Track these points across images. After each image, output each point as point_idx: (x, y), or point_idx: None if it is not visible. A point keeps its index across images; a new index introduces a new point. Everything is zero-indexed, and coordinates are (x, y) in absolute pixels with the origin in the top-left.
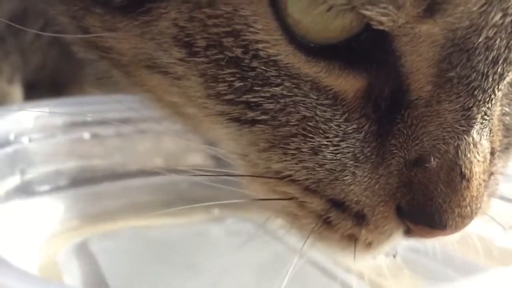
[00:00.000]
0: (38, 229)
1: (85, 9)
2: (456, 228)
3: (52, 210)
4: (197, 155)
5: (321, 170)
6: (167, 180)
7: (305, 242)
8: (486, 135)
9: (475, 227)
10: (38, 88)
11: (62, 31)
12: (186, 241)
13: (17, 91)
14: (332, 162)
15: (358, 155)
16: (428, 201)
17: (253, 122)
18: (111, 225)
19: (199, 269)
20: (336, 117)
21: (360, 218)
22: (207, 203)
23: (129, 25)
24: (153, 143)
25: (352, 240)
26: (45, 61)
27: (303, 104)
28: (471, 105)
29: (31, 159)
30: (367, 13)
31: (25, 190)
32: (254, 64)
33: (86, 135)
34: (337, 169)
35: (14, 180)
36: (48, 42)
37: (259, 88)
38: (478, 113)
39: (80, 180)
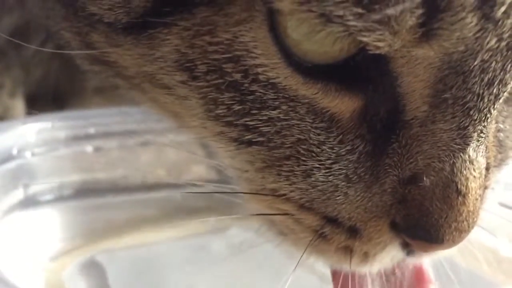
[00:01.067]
0: (42, 243)
1: (89, 26)
2: (454, 242)
3: (55, 224)
4: (200, 167)
5: (313, 191)
6: (170, 192)
7: (302, 255)
8: (482, 152)
9: (480, 238)
10: (39, 101)
11: (66, 46)
12: (191, 254)
13: (19, 104)
14: (324, 184)
15: (350, 176)
16: (424, 217)
17: (250, 143)
18: (116, 240)
19: (205, 283)
20: (329, 140)
21: (353, 232)
22: (213, 218)
23: (132, 45)
24: (155, 155)
25: (347, 251)
26: (46, 74)
27: (298, 127)
28: (466, 124)
29: (34, 173)
30: (364, 39)
31: (28, 204)
32: (253, 88)
33: (89, 148)
34: (329, 190)
35: (18, 195)
36: (50, 55)
37: (256, 111)
38: (474, 132)
39: (84, 193)
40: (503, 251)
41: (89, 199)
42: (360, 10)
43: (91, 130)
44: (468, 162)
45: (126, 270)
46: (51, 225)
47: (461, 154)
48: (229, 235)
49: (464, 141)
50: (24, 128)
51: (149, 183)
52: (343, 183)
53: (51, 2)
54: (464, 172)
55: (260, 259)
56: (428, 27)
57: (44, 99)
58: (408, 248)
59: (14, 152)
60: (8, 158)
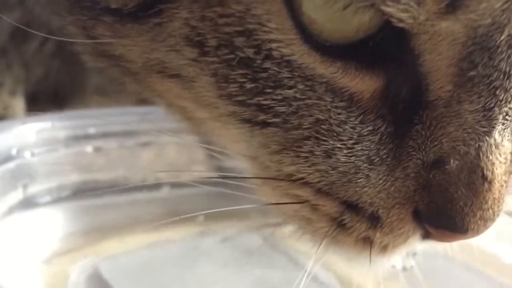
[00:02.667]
0: (42, 244)
1: (94, 18)
2: (478, 232)
3: (55, 225)
4: (201, 166)
5: (334, 172)
6: (171, 192)
7: (319, 247)
8: (508, 136)
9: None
10: (40, 99)
11: (71, 42)
12: (193, 256)
13: (19, 103)
14: (346, 165)
15: (373, 158)
16: (448, 204)
17: (264, 124)
18: (116, 241)
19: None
20: (351, 119)
21: (374, 220)
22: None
23: (140, 31)
24: (156, 155)
25: (367, 243)
26: (47, 73)
27: (317, 107)
28: (492, 105)
29: (33, 174)
30: (388, 9)
31: (27, 205)
32: (267, 65)
33: (89, 148)
34: (351, 172)
35: (17, 195)
36: (51, 53)
37: (270, 90)
38: (499, 114)
39: (83, 193)
40: (507, 258)
41: (89, 200)
42: None
43: (91, 130)
44: (494, 146)
45: (128, 276)
46: (50, 226)
47: (487, 138)
48: (229, 236)
49: (490, 123)
50: (23, 128)
51: (150, 183)
52: (365, 165)
53: None
54: (490, 156)
55: (262, 262)
56: None
57: (44, 98)
58: (426, 239)
59: (14, 152)
60: (8, 158)
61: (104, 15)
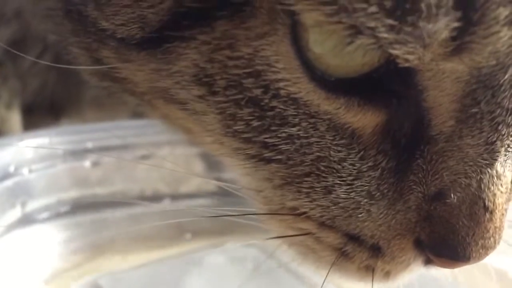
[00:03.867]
0: (41, 262)
1: (99, 41)
2: (479, 259)
3: (54, 241)
4: (199, 179)
5: (335, 208)
6: (169, 207)
7: (327, 275)
8: (509, 166)
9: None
10: (36, 112)
11: (74, 62)
12: (192, 272)
13: (15, 116)
14: (346, 201)
15: (373, 193)
16: (450, 235)
17: (268, 160)
18: (115, 258)
19: None
20: (350, 156)
21: (376, 250)
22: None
23: (145, 60)
24: (154, 169)
25: (369, 270)
26: (43, 86)
27: (318, 145)
28: (494, 139)
29: (31, 191)
30: (394, 52)
31: (26, 222)
32: (274, 103)
33: (87, 163)
34: (351, 207)
35: (15, 213)
36: (47, 67)
37: (276, 128)
38: (501, 147)
39: (82, 208)
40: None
41: (87, 214)
42: (392, 22)
43: (89, 145)
44: (495, 177)
45: None
46: (50, 243)
47: (489, 170)
48: (228, 250)
49: (492, 156)
50: (21, 145)
51: (148, 196)
52: (365, 200)
53: (59, 18)
54: (492, 188)
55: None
56: (460, 40)
57: (40, 110)
58: (428, 264)
59: (11, 169)
60: (5, 176)
61: (110, 40)
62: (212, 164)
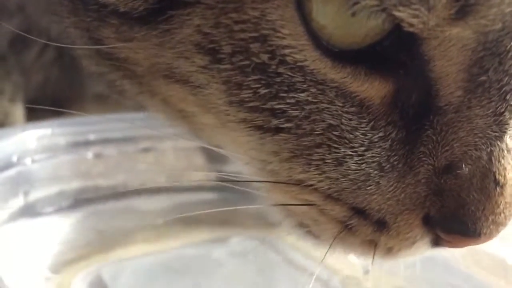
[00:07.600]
0: (44, 252)
1: (99, 20)
2: (490, 236)
3: (56, 232)
4: (200, 172)
5: (344, 180)
6: (171, 198)
7: (329, 247)
8: None
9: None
10: (39, 106)
11: (72, 45)
12: (195, 263)
13: (19, 110)
14: (356, 172)
15: (383, 164)
16: (460, 209)
17: (276, 130)
18: (118, 249)
19: None
20: (362, 126)
21: (381, 225)
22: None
23: (147, 35)
24: (156, 161)
25: (372, 245)
26: (46, 79)
27: (329, 111)
28: (503, 110)
29: (34, 181)
30: (398, 14)
31: (29, 211)
32: (280, 70)
33: (89, 154)
34: (361, 179)
35: (18, 202)
36: (50, 60)
37: (284, 95)
38: (510, 118)
39: (84, 199)
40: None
41: (89, 206)
42: None
43: (91, 137)
44: (505, 150)
45: (132, 284)
46: (52, 233)
47: (498, 142)
48: (231, 243)
49: (501, 128)
50: (24, 135)
51: (150, 189)
52: (375, 172)
53: None
54: (502, 161)
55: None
56: (464, 2)
57: (43, 103)
58: (436, 245)
59: (14, 159)
60: (8, 165)
61: (111, 17)
62: (213, 158)
